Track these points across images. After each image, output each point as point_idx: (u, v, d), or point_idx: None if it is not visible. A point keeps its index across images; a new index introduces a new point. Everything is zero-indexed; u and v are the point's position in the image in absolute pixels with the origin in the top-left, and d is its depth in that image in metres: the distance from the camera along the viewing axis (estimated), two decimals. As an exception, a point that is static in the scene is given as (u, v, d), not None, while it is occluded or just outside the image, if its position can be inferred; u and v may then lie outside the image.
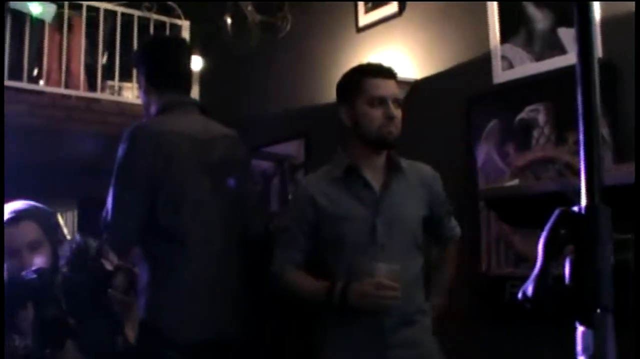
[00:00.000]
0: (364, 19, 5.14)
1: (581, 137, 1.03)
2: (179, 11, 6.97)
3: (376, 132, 2.71)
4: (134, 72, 6.40)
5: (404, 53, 4.77)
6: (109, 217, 2.84)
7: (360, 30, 5.17)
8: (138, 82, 3.26)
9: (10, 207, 2.87)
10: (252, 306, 3.05)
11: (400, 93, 2.79)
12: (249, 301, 3.03)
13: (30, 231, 2.81)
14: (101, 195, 2.94)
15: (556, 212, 0.99)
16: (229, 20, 5.67)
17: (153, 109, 3.07)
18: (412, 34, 4.77)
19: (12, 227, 2.80)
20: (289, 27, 5.68)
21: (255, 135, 5.38)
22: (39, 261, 2.77)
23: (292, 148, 5.63)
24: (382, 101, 2.71)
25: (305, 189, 2.83)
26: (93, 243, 3.39)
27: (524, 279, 1.03)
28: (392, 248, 2.66)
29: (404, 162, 2.82)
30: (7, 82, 5.98)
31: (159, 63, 3.10)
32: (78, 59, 6.44)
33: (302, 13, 5.65)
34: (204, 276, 2.87)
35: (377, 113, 2.70)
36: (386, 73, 2.79)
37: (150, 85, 3.09)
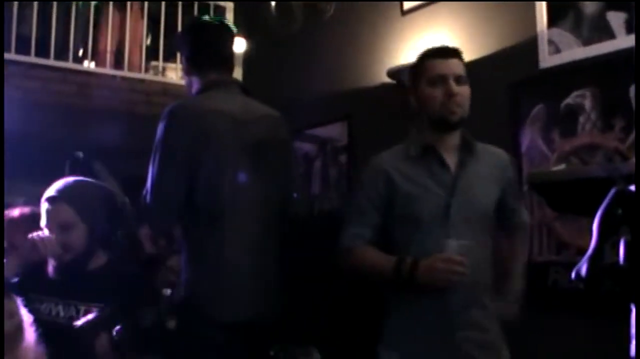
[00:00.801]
0: (409, 1, 5.11)
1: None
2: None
3: (439, 112, 2.70)
4: (178, 53, 6.46)
5: (449, 36, 4.73)
6: (148, 197, 2.86)
7: (405, 13, 5.14)
8: (181, 63, 3.28)
9: (57, 185, 2.97)
10: (289, 286, 3.06)
11: (461, 68, 2.73)
12: (286, 282, 3.04)
13: (61, 212, 2.90)
14: (143, 175, 2.96)
15: (612, 191, 0.97)
16: (273, 2, 5.66)
17: (194, 89, 3.09)
18: (457, 17, 4.74)
19: (49, 206, 2.92)
20: (333, 9, 5.66)
21: (298, 117, 5.37)
22: (69, 241, 2.88)
23: (335, 131, 5.62)
24: (442, 80, 2.69)
25: (380, 164, 2.79)
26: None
27: (566, 265, 1.02)
28: (464, 229, 2.64)
29: (478, 145, 2.81)
30: (54, 63, 6.07)
31: (200, 44, 3.12)
32: (123, 41, 6.49)
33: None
34: (243, 256, 2.88)
35: (437, 92, 2.69)
36: (446, 52, 2.78)
37: (191, 67, 3.11)
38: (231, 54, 3.20)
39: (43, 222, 2.92)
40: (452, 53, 2.78)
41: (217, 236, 2.86)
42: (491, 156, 2.84)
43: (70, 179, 3.03)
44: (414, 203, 2.69)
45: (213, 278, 2.84)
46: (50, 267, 2.93)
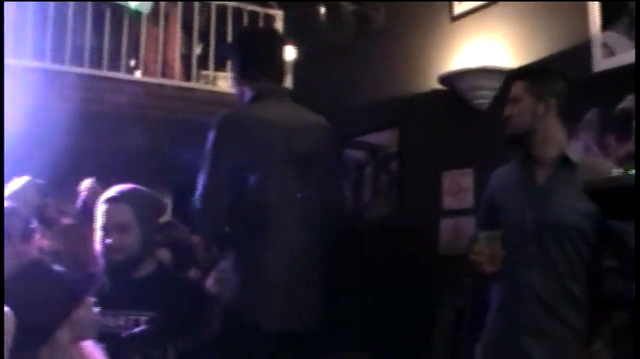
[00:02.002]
0: (459, 7, 5.09)
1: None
2: (273, 1, 7.02)
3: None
4: (229, 62, 6.50)
5: (500, 42, 4.69)
6: (198, 204, 2.90)
7: (454, 19, 5.11)
8: (233, 72, 3.31)
9: (116, 188, 3.03)
10: (340, 294, 3.06)
11: (520, 90, 2.88)
12: (336, 289, 3.04)
13: (122, 213, 2.94)
14: (194, 183, 2.99)
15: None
16: (322, 10, 5.67)
17: (245, 98, 3.12)
18: (508, 21, 4.69)
19: (109, 206, 2.96)
20: (382, 16, 5.65)
21: (348, 124, 5.38)
22: (124, 242, 2.91)
23: (386, 138, 5.60)
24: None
25: (491, 177, 3.06)
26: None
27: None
28: (540, 240, 2.73)
29: (581, 159, 2.85)
30: (106, 73, 6.14)
31: (250, 53, 3.15)
32: (174, 50, 6.55)
33: (396, 2, 5.62)
34: (288, 264, 2.89)
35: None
36: (507, 78, 3.14)
37: (242, 75, 3.14)
38: (282, 62, 3.22)
39: (99, 223, 2.95)
40: (509, 77, 3.16)
41: (264, 243, 2.88)
42: (591, 171, 2.77)
43: (127, 184, 3.07)
44: (500, 212, 2.87)
45: (260, 286, 2.85)
46: (100, 271, 2.95)
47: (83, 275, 2.81)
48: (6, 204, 3.06)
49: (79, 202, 3.86)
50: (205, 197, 2.87)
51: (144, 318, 2.80)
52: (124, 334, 2.71)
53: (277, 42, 3.24)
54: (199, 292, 3.05)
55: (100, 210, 2.97)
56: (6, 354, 1.69)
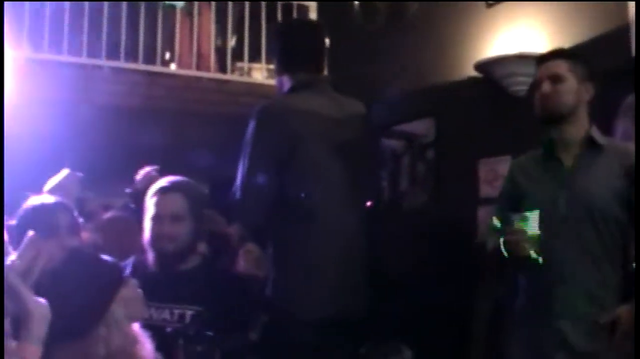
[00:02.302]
0: (494, -8, 5.02)
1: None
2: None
3: (537, 112, 2.90)
4: (263, 53, 6.52)
5: (536, 27, 4.64)
6: (238, 195, 2.90)
7: (490, 5, 5.06)
8: (273, 63, 3.32)
9: (168, 179, 3.08)
10: (379, 284, 3.08)
11: (564, 69, 2.88)
12: (376, 280, 3.05)
13: (176, 202, 2.97)
14: (231, 175, 3.00)
15: None
16: (356, 0, 5.65)
17: (285, 88, 3.13)
18: (545, 6, 4.64)
19: (161, 195, 2.99)
20: (416, 4, 5.61)
21: (384, 113, 5.35)
22: (177, 232, 2.93)
23: (422, 127, 5.57)
24: (540, 82, 2.89)
25: (513, 163, 3.14)
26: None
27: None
28: (574, 223, 2.74)
29: (607, 140, 2.87)
30: (141, 66, 6.19)
31: (291, 44, 3.16)
32: (208, 42, 6.57)
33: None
34: (332, 255, 2.90)
35: (537, 94, 2.90)
36: (544, 56, 3.01)
37: (282, 67, 3.14)
38: (322, 53, 3.22)
39: (150, 214, 2.97)
40: (549, 55, 2.98)
41: (306, 235, 2.89)
42: (618, 154, 2.85)
43: (178, 176, 3.11)
44: (527, 197, 2.85)
45: (302, 276, 2.87)
46: (149, 261, 2.95)
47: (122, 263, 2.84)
48: (51, 198, 3.08)
49: (132, 187, 3.88)
50: (246, 187, 2.88)
51: (189, 312, 2.79)
52: (168, 328, 2.68)
53: (316, 33, 3.25)
54: (245, 287, 3.05)
55: (153, 200, 2.99)
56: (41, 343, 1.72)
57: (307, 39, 3.18)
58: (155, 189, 3.02)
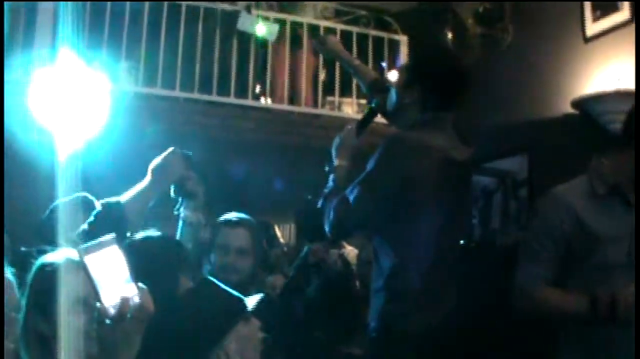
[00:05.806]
0: (592, 27, 4.92)
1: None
2: (396, 26, 7.00)
3: None
4: (353, 87, 6.53)
5: (634, 63, 4.51)
6: (345, 208, 2.92)
7: (588, 40, 4.95)
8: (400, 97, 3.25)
9: (233, 214, 3.27)
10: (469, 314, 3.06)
11: None
12: (466, 311, 3.03)
13: (243, 237, 3.20)
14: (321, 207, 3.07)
15: None
16: (449, 34, 5.61)
17: (410, 116, 3.10)
18: (644, 42, 4.51)
19: (230, 228, 3.21)
20: (510, 38, 5.55)
21: (476, 149, 5.27)
22: (241, 265, 3.16)
23: (515, 163, 5.49)
24: None
25: (564, 200, 2.67)
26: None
27: None
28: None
29: None
30: (234, 100, 6.30)
31: (441, 81, 3.07)
32: (301, 76, 6.62)
33: (525, 23, 5.51)
34: (434, 286, 2.92)
35: None
36: None
37: (424, 101, 3.07)
38: (466, 94, 3.16)
39: (220, 243, 3.19)
40: None
41: (409, 265, 2.90)
42: None
43: (242, 213, 3.30)
44: (601, 246, 2.56)
45: (407, 306, 2.89)
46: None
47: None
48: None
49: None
50: (356, 207, 2.89)
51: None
52: None
53: (467, 74, 3.19)
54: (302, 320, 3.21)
55: (221, 231, 3.21)
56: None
57: (457, 78, 3.12)
58: (223, 220, 3.25)
